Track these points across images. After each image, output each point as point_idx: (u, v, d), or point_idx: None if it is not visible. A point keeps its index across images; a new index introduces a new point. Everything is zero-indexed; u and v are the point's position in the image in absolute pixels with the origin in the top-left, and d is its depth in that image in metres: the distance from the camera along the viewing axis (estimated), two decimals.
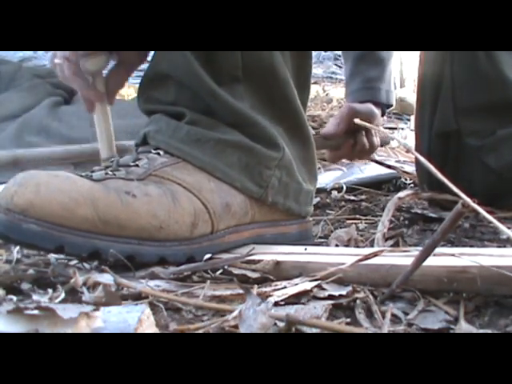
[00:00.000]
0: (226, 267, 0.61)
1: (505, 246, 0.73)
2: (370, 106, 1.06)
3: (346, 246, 0.75)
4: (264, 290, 0.54)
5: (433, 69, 0.93)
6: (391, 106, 1.12)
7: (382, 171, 1.23)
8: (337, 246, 0.74)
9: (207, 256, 0.64)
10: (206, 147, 0.67)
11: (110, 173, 0.64)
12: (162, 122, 0.69)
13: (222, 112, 0.68)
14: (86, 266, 0.64)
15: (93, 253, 0.59)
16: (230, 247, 0.68)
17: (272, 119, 0.71)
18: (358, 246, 0.75)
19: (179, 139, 0.67)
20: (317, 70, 2.75)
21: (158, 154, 0.67)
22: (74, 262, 0.66)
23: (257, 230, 0.71)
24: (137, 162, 0.66)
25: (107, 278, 0.56)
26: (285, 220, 0.73)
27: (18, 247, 0.69)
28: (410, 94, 2.32)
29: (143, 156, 0.67)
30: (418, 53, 1.04)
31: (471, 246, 0.72)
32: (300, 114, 0.73)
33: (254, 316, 0.44)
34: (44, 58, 2.33)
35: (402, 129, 2.01)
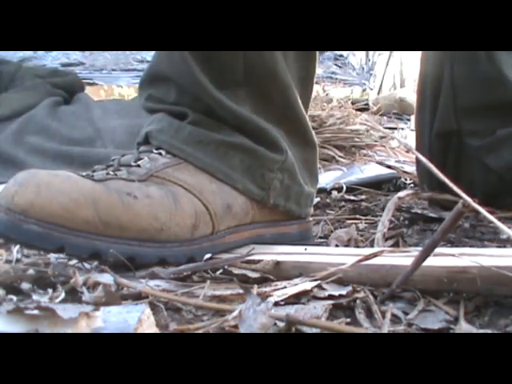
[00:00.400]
0: (225, 267, 0.62)
1: (505, 246, 0.72)
2: None
3: (346, 246, 0.75)
4: (264, 289, 0.54)
5: (433, 69, 0.93)
6: None
7: (382, 171, 1.23)
8: (337, 246, 0.74)
9: (207, 256, 0.64)
10: (209, 149, 0.67)
11: (112, 173, 0.63)
12: (165, 122, 0.69)
13: (224, 115, 0.68)
14: (86, 265, 0.64)
15: (93, 254, 0.59)
16: (231, 247, 0.68)
17: (273, 122, 0.71)
18: (357, 246, 0.75)
19: (181, 140, 0.67)
20: (317, 70, 2.75)
21: (160, 154, 0.67)
22: (74, 261, 0.66)
23: (257, 230, 0.71)
24: (138, 162, 0.65)
25: (107, 278, 0.56)
26: (285, 220, 0.73)
27: (17, 247, 0.69)
28: (410, 94, 2.32)
29: (145, 156, 0.66)
30: (418, 53, 1.03)
31: (471, 246, 0.72)
32: (302, 117, 0.73)
33: (254, 316, 0.44)
34: (44, 58, 2.33)
35: (402, 129, 2.01)
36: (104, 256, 0.59)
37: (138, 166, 0.65)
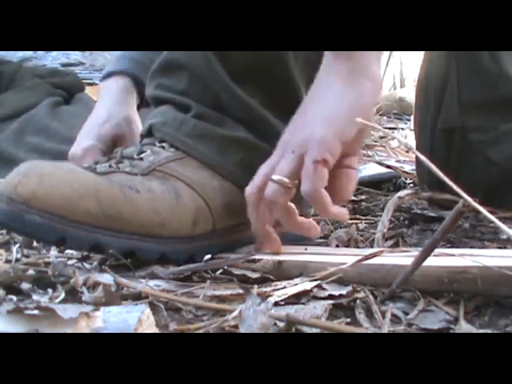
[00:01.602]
0: (225, 267, 0.61)
1: (505, 247, 0.73)
2: None
3: (347, 246, 0.75)
4: (264, 289, 0.54)
5: (439, 68, 0.94)
6: None
7: (382, 171, 1.23)
8: (337, 246, 0.74)
9: (207, 256, 0.64)
10: (212, 143, 0.67)
11: (114, 165, 0.63)
12: (169, 115, 0.68)
13: (233, 106, 0.68)
14: (86, 265, 0.64)
15: (94, 246, 0.59)
16: (231, 246, 0.68)
17: (281, 120, 0.71)
18: (357, 246, 0.75)
19: (185, 133, 0.67)
20: None
21: (163, 147, 0.66)
22: (74, 261, 0.66)
23: None
24: (141, 155, 0.65)
25: (107, 278, 0.56)
26: None
27: (17, 247, 0.69)
28: (410, 94, 2.32)
29: (148, 148, 0.66)
30: (418, 53, 1.04)
31: (471, 247, 0.72)
32: None
33: (254, 316, 0.44)
34: (44, 58, 2.33)
35: (402, 129, 2.01)
36: (105, 249, 0.59)
37: (141, 159, 0.65)
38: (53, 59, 2.33)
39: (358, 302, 0.52)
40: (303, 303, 0.52)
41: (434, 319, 0.48)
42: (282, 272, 0.59)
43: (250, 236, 0.70)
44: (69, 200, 0.58)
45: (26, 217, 0.57)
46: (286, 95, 0.70)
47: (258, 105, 0.68)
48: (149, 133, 0.69)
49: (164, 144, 0.67)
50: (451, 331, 0.46)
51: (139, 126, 0.92)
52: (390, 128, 1.95)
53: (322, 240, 0.80)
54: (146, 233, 0.61)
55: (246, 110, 0.68)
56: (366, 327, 0.47)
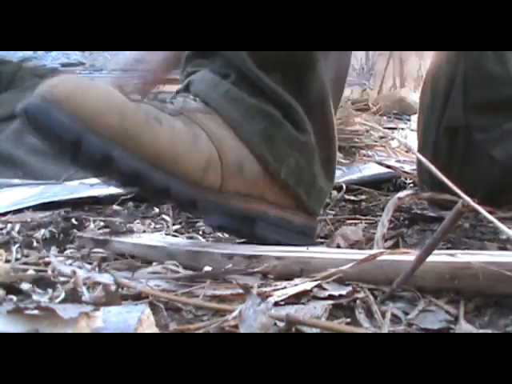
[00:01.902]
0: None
1: (505, 246, 0.73)
2: None
3: (352, 245, 0.74)
4: (264, 289, 0.54)
5: (447, 69, 0.95)
6: None
7: (382, 170, 1.23)
8: (338, 245, 0.74)
9: (207, 268, 0.63)
10: (240, 108, 0.70)
11: (146, 101, 0.67)
12: (208, 76, 0.72)
13: (262, 87, 0.70)
14: (86, 265, 0.64)
15: (106, 158, 0.61)
16: (234, 213, 0.69)
17: (301, 106, 0.73)
18: (360, 248, 0.75)
19: (218, 93, 0.70)
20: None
21: (195, 100, 0.70)
22: (74, 261, 0.66)
23: (263, 207, 0.71)
24: (173, 100, 0.69)
25: (107, 277, 0.56)
26: (293, 208, 0.74)
27: (17, 246, 0.69)
28: (410, 94, 2.32)
29: (181, 97, 0.70)
30: (418, 53, 1.05)
31: (471, 246, 0.72)
32: (330, 115, 0.75)
33: (254, 316, 0.44)
34: (44, 58, 2.33)
35: (402, 129, 2.01)
36: (115, 164, 0.61)
37: (172, 103, 0.68)
38: (53, 59, 2.33)
39: (357, 302, 0.52)
40: (303, 303, 0.52)
41: (434, 319, 0.48)
42: (283, 268, 0.59)
43: (255, 210, 0.70)
44: (96, 111, 0.60)
45: (53, 113, 0.59)
46: (309, 93, 0.73)
47: (283, 91, 0.71)
48: (185, 88, 0.72)
49: (197, 98, 0.70)
50: (451, 331, 0.46)
51: None
52: (389, 128, 1.95)
53: (323, 240, 0.80)
54: (158, 164, 0.63)
55: (273, 95, 0.71)
56: (366, 327, 0.47)
